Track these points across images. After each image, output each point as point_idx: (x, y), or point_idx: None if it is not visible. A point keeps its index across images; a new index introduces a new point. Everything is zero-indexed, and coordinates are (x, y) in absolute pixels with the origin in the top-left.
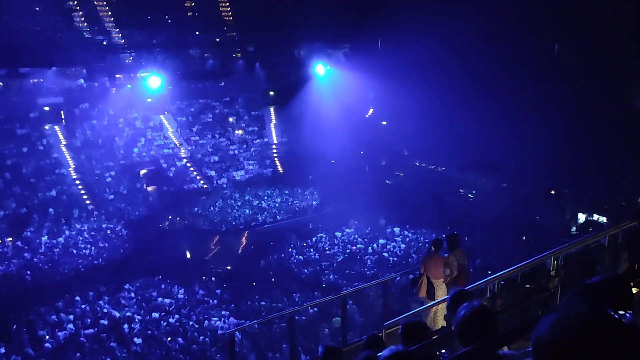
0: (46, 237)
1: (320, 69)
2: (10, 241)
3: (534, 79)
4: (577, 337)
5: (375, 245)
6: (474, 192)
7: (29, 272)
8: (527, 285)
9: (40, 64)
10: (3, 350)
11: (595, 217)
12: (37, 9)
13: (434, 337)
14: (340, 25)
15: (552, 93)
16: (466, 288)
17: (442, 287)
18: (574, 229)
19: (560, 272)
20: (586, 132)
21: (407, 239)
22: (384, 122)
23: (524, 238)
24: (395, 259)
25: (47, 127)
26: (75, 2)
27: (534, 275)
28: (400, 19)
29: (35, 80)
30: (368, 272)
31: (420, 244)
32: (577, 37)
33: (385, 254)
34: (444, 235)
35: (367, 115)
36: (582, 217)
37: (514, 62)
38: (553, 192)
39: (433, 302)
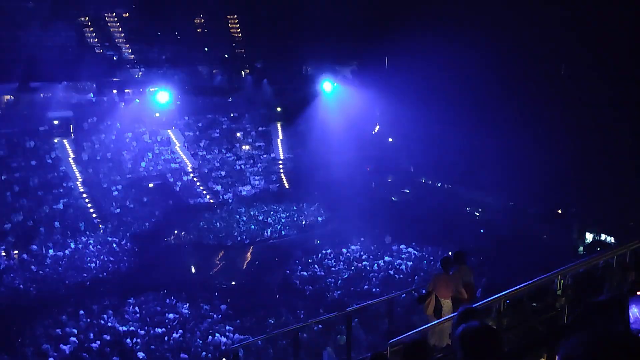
0: (52, 250)
1: (328, 86)
2: (16, 254)
3: (540, 99)
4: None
5: (381, 262)
6: (480, 210)
7: (34, 285)
8: (534, 304)
9: (51, 78)
10: None
11: (603, 236)
12: (49, 24)
13: (440, 355)
14: (348, 43)
15: (559, 113)
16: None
17: (449, 306)
18: (581, 248)
19: (567, 292)
20: (594, 151)
21: (413, 256)
22: (391, 139)
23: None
24: (401, 276)
25: (56, 140)
26: (87, 18)
27: (540, 294)
28: (408, 38)
29: (45, 94)
30: (374, 289)
31: (426, 262)
32: (583, 57)
33: (391, 272)
34: (450, 253)
35: (373, 132)
36: (589, 237)
37: (520, 83)
38: (560, 212)
39: (439, 320)
